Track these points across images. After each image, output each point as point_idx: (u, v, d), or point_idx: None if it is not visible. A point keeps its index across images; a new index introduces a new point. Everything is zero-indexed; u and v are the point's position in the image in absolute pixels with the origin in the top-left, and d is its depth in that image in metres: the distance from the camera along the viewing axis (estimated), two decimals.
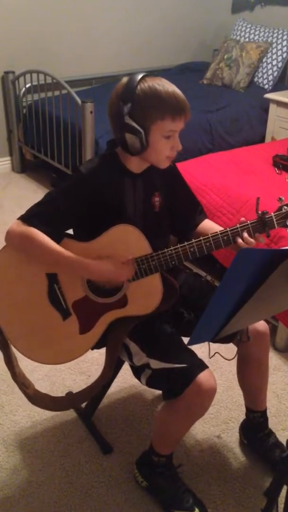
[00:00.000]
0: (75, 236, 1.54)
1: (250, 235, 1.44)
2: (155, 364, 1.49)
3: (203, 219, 1.70)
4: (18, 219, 1.48)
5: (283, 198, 1.42)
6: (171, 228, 1.67)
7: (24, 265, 1.52)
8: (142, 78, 1.39)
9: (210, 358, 1.57)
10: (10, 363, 1.66)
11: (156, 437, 1.66)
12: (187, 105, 1.41)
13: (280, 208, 1.42)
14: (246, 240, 1.43)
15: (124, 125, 1.39)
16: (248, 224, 1.43)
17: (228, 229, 1.44)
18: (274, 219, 1.42)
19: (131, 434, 1.94)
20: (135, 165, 1.51)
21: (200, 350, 1.55)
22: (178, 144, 1.45)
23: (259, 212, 1.43)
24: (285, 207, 1.41)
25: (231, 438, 1.94)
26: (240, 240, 1.43)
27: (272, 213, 1.42)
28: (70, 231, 1.55)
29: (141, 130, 1.38)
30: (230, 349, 1.66)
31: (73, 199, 1.48)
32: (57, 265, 1.48)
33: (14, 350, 1.65)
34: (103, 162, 1.50)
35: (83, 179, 1.47)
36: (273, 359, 2.29)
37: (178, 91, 1.40)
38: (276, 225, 1.42)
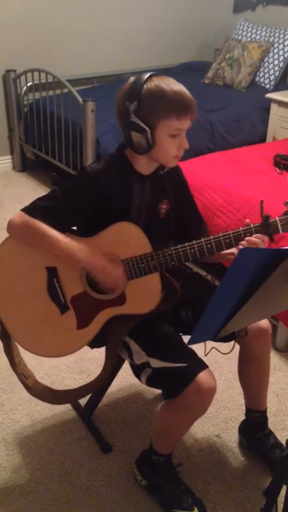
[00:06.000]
0: (77, 231, 1.55)
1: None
2: (155, 363, 1.49)
3: (203, 234, 1.63)
4: (21, 210, 1.49)
5: None
6: (174, 234, 1.66)
7: (24, 258, 1.53)
8: (149, 77, 1.39)
9: (206, 355, 1.56)
10: (10, 353, 1.66)
11: (156, 437, 1.66)
12: (194, 104, 1.40)
13: (285, 213, 1.40)
14: (248, 241, 1.41)
15: (130, 124, 1.39)
16: (251, 228, 1.42)
17: (230, 232, 1.42)
18: (279, 224, 1.40)
19: (131, 433, 1.94)
20: (144, 165, 1.51)
21: (200, 349, 1.55)
22: (185, 142, 1.45)
23: (264, 215, 1.41)
24: None
25: (231, 438, 1.94)
26: (243, 242, 1.41)
27: (276, 218, 1.40)
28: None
29: (147, 129, 1.38)
30: (226, 344, 1.66)
31: (76, 199, 1.49)
32: (54, 252, 1.47)
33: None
34: (110, 163, 1.50)
35: (88, 179, 1.47)
36: (273, 359, 2.29)
37: (184, 90, 1.40)
38: (280, 230, 1.40)
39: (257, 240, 1.41)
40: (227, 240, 1.42)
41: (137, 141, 1.41)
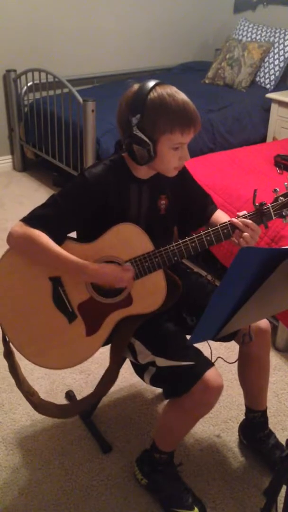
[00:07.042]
0: (77, 238, 1.54)
1: None
2: (161, 362, 1.49)
3: (214, 211, 1.69)
4: (20, 220, 1.47)
5: (278, 189, 1.45)
6: (177, 227, 1.67)
7: (27, 270, 1.50)
8: (153, 87, 1.36)
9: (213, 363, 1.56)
10: (15, 372, 1.66)
11: (160, 434, 1.66)
12: (198, 117, 1.39)
13: (276, 199, 1.45)
14: (243, 222, 1.44)
15: (132, 136, 1.38)
16: (246, 216, 1.46)
17: (227, 222, 1.45)
18: (271, 210, 1.44)
19: (131, 433, 1.94)
20: (142, 172, 1.50)
21: (203, 349, 1.55)
22: (186, 155, 1.44)
23: (256, 204, 1.45)
24: (281, 198, 1.44)
25: (231, 438, 1.94)
26: (236, 221, 1.44)
27: (269, 204, 1.45)
28: (73, 234, 1.54)
29: (150, 143, 1.37)
30: (231, 349, 1.66)
31: (76, 204, 1.48)
32: (57, 267, 1.48)
33: (17, 354, 1.63)
34: (109, 167, 1.49)
35: (87, 184, 1.46)
36: (273, 359, 2.29)
37: (188, 102, 1.38)
38: (273, 216, 1.45)
39: (249, 221, 1.44)
40: (225, 231, 1.45)
41: (138, 154, 1.40)
